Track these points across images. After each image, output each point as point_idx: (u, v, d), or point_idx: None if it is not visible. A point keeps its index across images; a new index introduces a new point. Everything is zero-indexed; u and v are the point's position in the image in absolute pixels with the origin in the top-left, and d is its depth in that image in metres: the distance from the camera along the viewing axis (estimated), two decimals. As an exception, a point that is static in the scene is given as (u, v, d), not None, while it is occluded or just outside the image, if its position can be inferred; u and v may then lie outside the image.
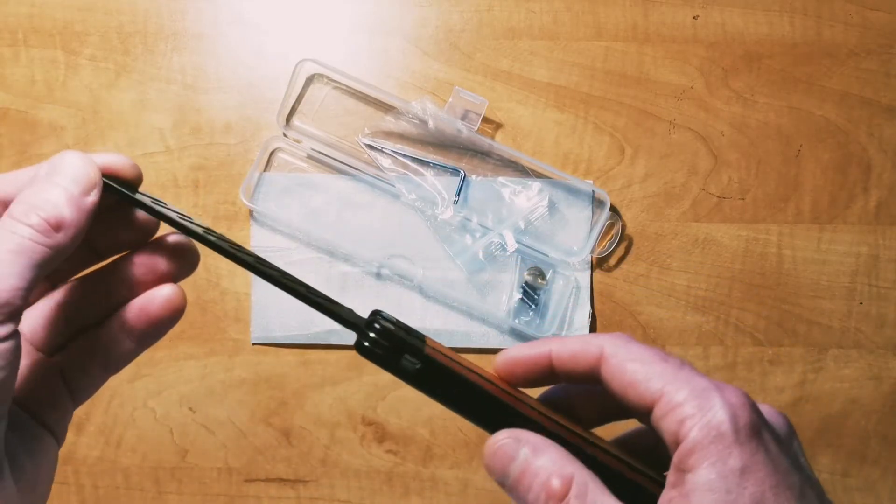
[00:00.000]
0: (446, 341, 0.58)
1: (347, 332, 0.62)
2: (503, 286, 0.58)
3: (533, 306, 0.58)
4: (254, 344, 0.58)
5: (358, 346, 0.26)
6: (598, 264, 0.59)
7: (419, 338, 0.27)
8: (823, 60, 0.59)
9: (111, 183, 0.26)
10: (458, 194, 0.58)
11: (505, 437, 0.26)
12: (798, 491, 0.23)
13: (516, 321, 0.57)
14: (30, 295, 0.24)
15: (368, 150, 0.58)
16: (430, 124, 0.57)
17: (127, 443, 0.59)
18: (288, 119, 0.58)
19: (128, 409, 0.58)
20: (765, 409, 0.26)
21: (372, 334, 0.26)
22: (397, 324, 0.27)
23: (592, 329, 0.59)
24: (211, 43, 0.59)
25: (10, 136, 0.59)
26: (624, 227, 0.59)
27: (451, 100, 0.57)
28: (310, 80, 0.58)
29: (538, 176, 0.58)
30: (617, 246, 0.58)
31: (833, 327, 0.59)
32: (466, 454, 0.59)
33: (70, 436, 0.58)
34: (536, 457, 0.26)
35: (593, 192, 0.58)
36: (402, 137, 0.58)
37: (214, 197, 0.58)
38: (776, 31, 0.59)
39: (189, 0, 0.59)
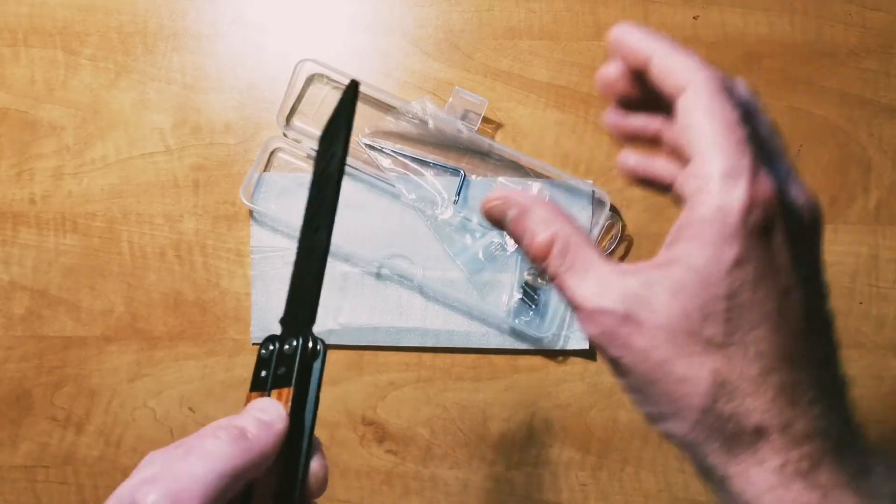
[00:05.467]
0: (446, 341, 0.58)
1: (347, 332, 0.61)
2: (503, 286, 0.58)
3: (533, 306, 0.58)
4: (254, 344, 0.58)
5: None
6: (598, 264, 0.59)
7: None
8: (823, 60, 0.59)
9: None
10: (458, 194, 0.58)
11: (495, 199, 0.28)
12: (781, 292, 0.23)
13: (516, 321, 0.57)
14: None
15: (368, 150, 0.58)
16: (430, 124, 0.57)
17: (127, 443, 0.59)
18: (288, 119, 0.58)
19: (128, 409, 0.58)
20: (798, 193, 0.24)
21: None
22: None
23: (592, 329, 0.58)
24: (211, 43, 0.59)
25: (10, 136, 0.59)
26: (624, 227, 0.59)
27: (451, 100, 0.57)
28: (310, 80, 0.58)
29: (538, 176, 0.58)
30: (617, 246, 0.58)
31: (833, 327, 0.59)
32: (466, 454, 0.59)
33: (70, 436, 0.58)
34: (524, 216, 0.27)
35: (593, 192, 0.58)
36: (402, 137, 0.58)
37: (214, 197, 0.58)
38: (776, 31, 0.59)
39: (189, 0, 0.59)
